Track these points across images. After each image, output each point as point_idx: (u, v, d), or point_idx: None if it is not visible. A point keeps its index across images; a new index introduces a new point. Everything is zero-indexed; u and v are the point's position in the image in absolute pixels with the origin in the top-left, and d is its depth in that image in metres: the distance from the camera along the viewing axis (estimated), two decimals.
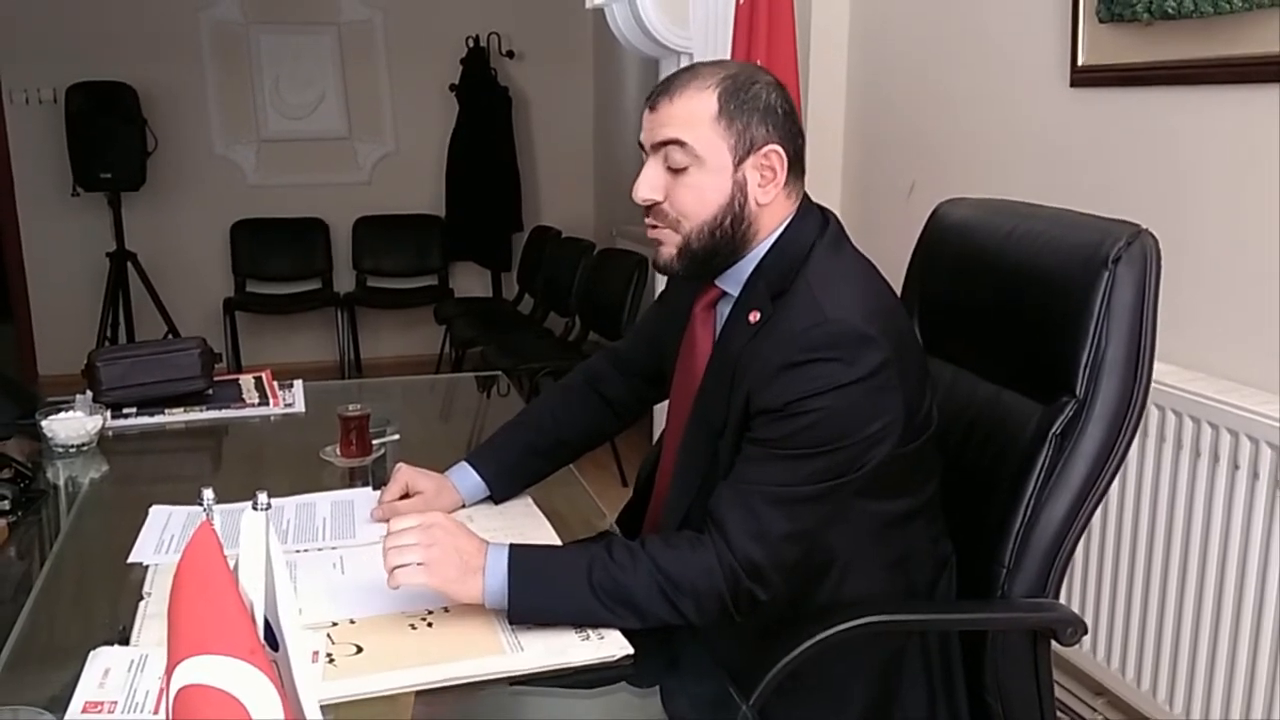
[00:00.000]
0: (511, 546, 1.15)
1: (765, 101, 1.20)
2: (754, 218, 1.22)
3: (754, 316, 1.22)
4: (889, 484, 1.22)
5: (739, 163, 1.20)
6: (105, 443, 1.78)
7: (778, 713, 1.18)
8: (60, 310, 5.10)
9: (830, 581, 1.25)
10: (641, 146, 1.24)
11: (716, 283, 1.28)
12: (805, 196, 1.28)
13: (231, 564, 0.73)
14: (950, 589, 1.33)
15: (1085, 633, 1.29)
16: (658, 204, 1.23)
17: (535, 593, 1.12)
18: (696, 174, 1.20)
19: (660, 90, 1.22)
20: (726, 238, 1.22)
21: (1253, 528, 1.76)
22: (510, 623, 1.12)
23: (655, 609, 1.12)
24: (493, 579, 1.12)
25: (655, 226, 1.25)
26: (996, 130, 2.50)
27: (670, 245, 1.24)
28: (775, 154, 1.21)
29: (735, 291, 1.26)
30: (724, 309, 1.29)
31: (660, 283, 1.48)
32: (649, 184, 1.22)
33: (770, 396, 1.14)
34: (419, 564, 1.11)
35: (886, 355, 1.14)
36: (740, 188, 1.21)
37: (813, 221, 1.25)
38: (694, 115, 1.19)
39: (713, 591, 1.13)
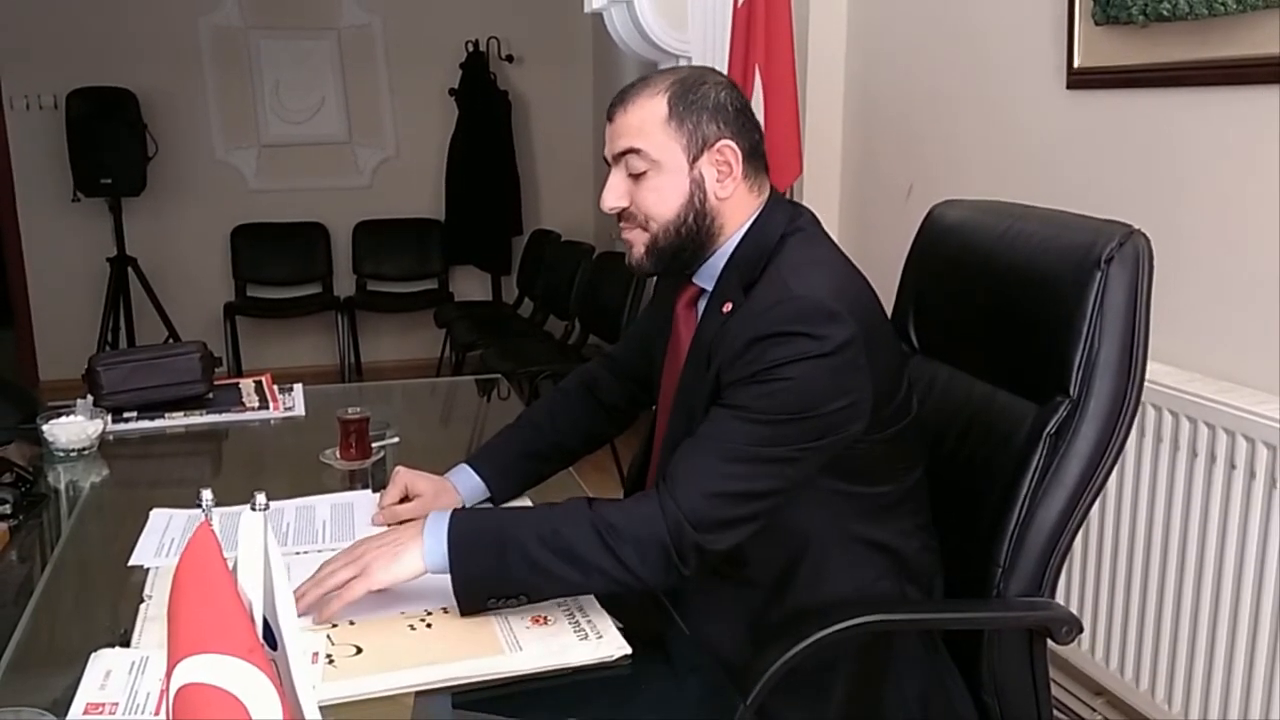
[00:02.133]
0: (455, 509, 1.19)
1: (714, 100, 1.24)
2: (716, 212, 1.26)
3: (727, 307, 1.24)
4: (869, 470, 1.24)
5: (694, 161, 1.24)
6: (106, 447, 1.79)
7: (773, 709, 1.18)
8: (61, 315, 5.10)
9: (808, 564, 1.26)
10: (606, 160, 1.29)
11: (694, 280, 1.32)
12: (774, 190, 1.31)
13: (230, 564, 0.74)
14: (939, 579, 1.34)
15: (1080, 631, 1.29)
16: (626, 209, 1.27)
17: (475, 543, 1.13)
18: (655, 177, 1.24)
19: (616, 102, 1.28)
20: (691, 234, 1.26)
21: (1249, 527, 1.76)
22: (455, 584, 1.12)
23: (596, 559, 1.11)
24: (432, 539, 1.13)
25: (626, 228, 1.29)
26: (994, 132, 2.51)
27: (639, 245, 1.28)
28: (729, 149, 1.24)
29: (711, 286, 1.29)
30: (703, 305, 1.32)
31: (654, 286, 1.51)
32: (614, 193, 1.27)
33: (739, 367, 1.17)
34: (353, 579, 1.13)
35: (853, 332, 1.15)
36: (698, 185, 1.24)
37: (782, 214, 1.28)
38: (646, 122, 1.24)
39: (654, 539, 1.12)
